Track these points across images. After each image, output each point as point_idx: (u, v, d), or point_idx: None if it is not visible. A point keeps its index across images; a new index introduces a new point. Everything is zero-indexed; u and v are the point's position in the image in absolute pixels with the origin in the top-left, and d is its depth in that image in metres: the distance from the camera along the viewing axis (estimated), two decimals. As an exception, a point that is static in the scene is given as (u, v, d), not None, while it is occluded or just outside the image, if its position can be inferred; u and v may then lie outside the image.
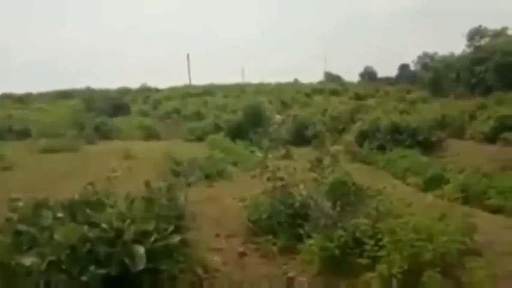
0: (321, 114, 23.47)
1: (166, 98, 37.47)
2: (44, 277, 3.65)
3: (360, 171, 11.04)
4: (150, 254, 3.88)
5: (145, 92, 44.68)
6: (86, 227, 3.96)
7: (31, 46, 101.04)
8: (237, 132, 18.89)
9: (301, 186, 6.28)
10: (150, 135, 22.06)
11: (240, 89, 42.21)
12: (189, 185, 9.00)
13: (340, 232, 4.82)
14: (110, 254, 3.82)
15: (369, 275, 4.19)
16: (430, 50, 49.78)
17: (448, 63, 36.80)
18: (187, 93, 39.84)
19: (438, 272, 3.99)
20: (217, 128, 21.05)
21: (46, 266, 3.65)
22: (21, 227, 4.10)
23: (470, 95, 29.02)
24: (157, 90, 46.22)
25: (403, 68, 53.05)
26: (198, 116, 26.07)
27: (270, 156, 13.02)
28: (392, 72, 54.79)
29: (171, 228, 4.32)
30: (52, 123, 20.66)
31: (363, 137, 16.29)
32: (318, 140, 17.70)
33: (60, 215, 4.28)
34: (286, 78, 62.18)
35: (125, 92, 42.59)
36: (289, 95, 35.85)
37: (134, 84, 49.59)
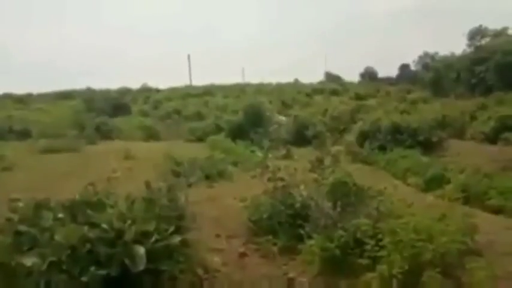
0: (321, 115, 23.49)
1: (167, 98, 37.52)
2: (44, 277, 3.65)
3: (361, 172, 11.03)
4: (150, 255, 3.88)
5: (146, 92, 44.74)
6: (86, 228, 3.97)
7: (31, 46, 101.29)
8: (238, 133, 18.90)
9: (302, 186, 6.27)
10: (151, 135, 22.07)
11: (240, 89, 42.24)
12: (189, 185, 9.00)
13: (341, 232, 4.82)
14: (110, 254, 3.83)
15: (369, 275, 4.19)
16: (431, 50, 49.84)
17: (449, 63, 36.81)
18: (188, 93, 39.90)
19: (438, 272, 3.98)
20: (218, 129, 21.06)
21: (47, 267, 3.65)
22: (22, 228, 4.10)
23: (470, 95, 29.03)
24: (157, 91, 46.29)
25: (404, 68, 53.05)
26: (199, 116, 26.10)
27: (270, 156, 13.07)
28: (392, 72, 54.86)
29: (171, 228, 4.32)
30: (52, 124, 20.67)
31: (363, 137, 16.29)
32: (319, 140, 17.70)
33: (60, 215, 4.28)
34: (286, 78, 62.29)
35: (125, 92, 42.66)
36: (290, 95, 35.88)
37: (134, 85, 49.71)
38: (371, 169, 13.65)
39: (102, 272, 3.69)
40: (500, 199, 8.52)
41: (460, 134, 18.44)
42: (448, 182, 9.94)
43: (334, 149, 14.59)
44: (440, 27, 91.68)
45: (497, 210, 8.16)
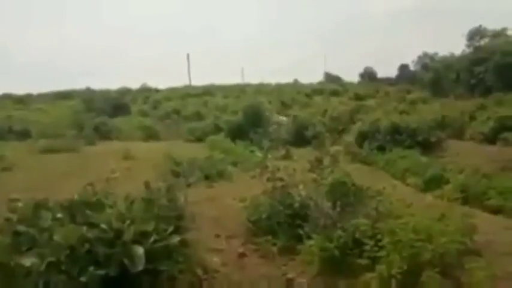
0: (320, 115, 23.50)
1: (166, 98, 37.55)
2: (43, 278, 3.64)
3: (360, 172, 11.05)
4: (149, 255, 3.87)
5: (145, 92, 44.76)
6: (85, 228, 3.96)
7: (31, 46, 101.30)
8: (237, 133, 18.90)
9: (301, 186, 6.27)
10: (150, 135, 22.07)
11: (240, 90, 42.27)
12: (188, 185, 9.00)
13: (340, 233, 4.81)
14: (109, 254, 3.82)
15: (369, 275, 4.19)
16: (430, 50, 49.97)
17: (448, 64, 36.86)
18: (187, 93, 39.93)
19: (437, 272, 3.98)
20: (217, 129, 21.07)
21: (45, 267, 3.65)
22: (21, 228, 4.10)
23: (470, 95, 29.08)
24: (157, 91, 46.30)
25: (403, 68, 53.09)
26: (198, 116, 26.10)
27: (269, 156, 13.09)
28: (392, 72, 54.88)
29: (170, 228, 4.32)
30: (52, 124, 20.67)
31: (362, 137, 16.30)
32: (318, 140, 17.71)
33: (59, 215, 4.27)
34: (286, 78, 62.33)
35: (125, 92, 42.66)
36: (289, 95, 35.93)
37: (134, 85, 49.73)
38: (370, 169, 13.66)
39: (101, 272, 3.69)
40: (499, 199, 8.53)
41: (459, 135, 18.46)
42: (447, 182, 9.95)
43: (333, 149, 14.61)
44: (440, 28, 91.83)
45: (496, 210, 8.17)
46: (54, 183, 9.76)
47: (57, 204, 4.54)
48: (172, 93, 40.97)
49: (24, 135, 19.15)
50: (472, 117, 19.83)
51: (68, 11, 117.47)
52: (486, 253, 4.90)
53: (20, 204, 4.50)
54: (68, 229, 3.92)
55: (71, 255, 3.76)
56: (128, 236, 3.93)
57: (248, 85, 48.29)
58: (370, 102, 29.44)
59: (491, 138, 16.52)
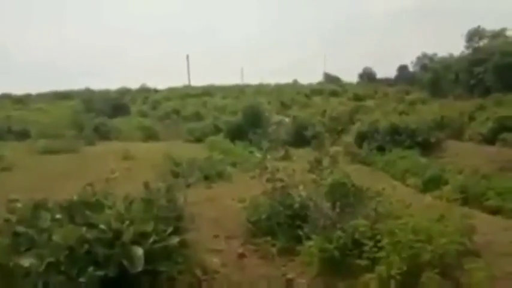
0: (320, 115, 23.49)
1: (166, 98, 37.57)
2: (42, 278, 3.63)
3: (359, 172, 11.04)
4: (148, 256, 3.87)
5: (145, 92, 44.79)
6: (84, 228, 3.95)
7: (31, 46, 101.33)
8: (237, 133, 18.89)
9: (301, 187, 6.27)
10: (150, 136, 22.05)
11: (239, 90, 42.32)
12: (188, 186, 9.00)
13: (339, 233, 4.81)
14: (108, 255, 3.81)
15: (368, 276, 4.19)
16: (429, 51, 50.10)
17: (447, 64, 36.93)
18: (187, 93, 39.96)
19: (437, 273, 3.98)
20: (217, 129, 21.05)
21: (44, 268, 3.64)
22: (20, 229, 4.09)
23: (469, 96, 29.12)
24: (156, 91, 46.32)
25: (402, 69, 53.24)
26: (198, 116, 26.09)
27: (269, 157, 13.08)
28: (391, 73, 55.07)
29: (170, 229, 4.31)
30: (51, 124, 20.63)
31: (362, 138, 16.30)
32: (317, 141, 17.69)
33: (58, 216, 4.26)
34: (285, 79, 62.39)
35: (124, 92, 42.68)
36: (289, 95, 35.94)
37: (134, 85, 49.81)
38: (369, 170, 13.66)
39: (100, 272, 3.68)
40: (498, 200, 8.54)
41: (458, 135, 18.47)
42: (447, 182, 9.96)
43: (333, 149, 14.62)
44: (440, 28, 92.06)
45: (495, 211, 8.17)
46: (54, 183, 9.75)
47: (56, 204, 4.53)
48: (172, 94, 40.99)
49: (23, 135, 19.12)
50: (471, 118, 19.85)
51: (68, 11, 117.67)
52: (485, 254, 4.91)
53: (19, 204, 4.49)
54: (67, 230, 3.91)
55: (70, 255, 3.75)
56: (127, 236, 3.92)
57: (247, 85, 48.37)
58: (369, 102, 29.48)
59: (490, 139, 16.53)
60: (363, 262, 4.37)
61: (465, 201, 8.22)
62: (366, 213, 5.15)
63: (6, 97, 40.42)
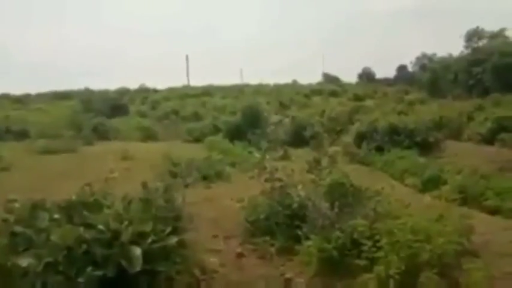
0: (319, 115, 23.50)
1: (165, 98, 37.58)
2: (40, 278, 3.63)
3: (358, 172, 11.03)
4: (147, 256, 3.86)
5: (144, 92, 44.77)
6: (82, 229, 3.95)
7: (31, 46, 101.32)
8: (236, 133, 18.88)
9: (299, 187, 6.27)
10: (148, 136, 22.02)
11: (238, 90, 42.32)
12: (186, 186, 8.99)
13: (338, 233, 4.81)
14: (106, 255, 3.81)
15: (367, 276, 4.19)
16: (429, 51, 50.18)
17: (446, 65, 37.01)
18: (186, 94, 39.98)
19: (435, 273, 3.99)
20: (216, 129, 21.04)
21: (43, 268, 3.63)
22: (18, 229, 4.08)
23: (468, 96, 29.16)
24: (155, 91, 46.30)
25: (401, 69, 53.36)
26: (197, 117, 26.08)
27: (267, 157, 13.05)
28: (390, 73, 55.21)
29: (168, 229, 4.31)
30: (50, 124, 20.60)
31: (361, 138, 16.28)
32: (316, 141, 17.68)
33: (57, 216, 4.25)
34: (285, 79, 62.53)
35: (123, 92, 42.67)
36: (288, 96, 35.94)
37: (133, 85, 49.81)
38: (368, 170, 13.65)
39: (99, 273, 3.68)
40: (497, 200, 8.53)
41: (457, 135, 18.49)
42: (445, 182, 9.94)
43: (332, 149, 14.58)
44: (439, 28, 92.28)
45: (494, 211, 8.17)
46: (52, 183, 9.73)
47: (54, 204, 4.52)
48: (171, 94, 40.99)
49: (22, 135, 19.09)
50: (470, 118, 19.87)
51: (68, 11, 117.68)
52: (484, 254, 4.91)
53: (17, 204, 4.48)
54: (66, 230, 3.91)
55: (68, 255, 3.75)
56: (125, 236, 3.92)
57: (247, 85, 48.38)
58: (369, 102, 29.51)
59: (489, 139, 16.55)
60: (362, 262, 4.37)
61: (464, 201, 8.21)
62: (365, 213, 5.15)
63: (5, 97, 40.42)
